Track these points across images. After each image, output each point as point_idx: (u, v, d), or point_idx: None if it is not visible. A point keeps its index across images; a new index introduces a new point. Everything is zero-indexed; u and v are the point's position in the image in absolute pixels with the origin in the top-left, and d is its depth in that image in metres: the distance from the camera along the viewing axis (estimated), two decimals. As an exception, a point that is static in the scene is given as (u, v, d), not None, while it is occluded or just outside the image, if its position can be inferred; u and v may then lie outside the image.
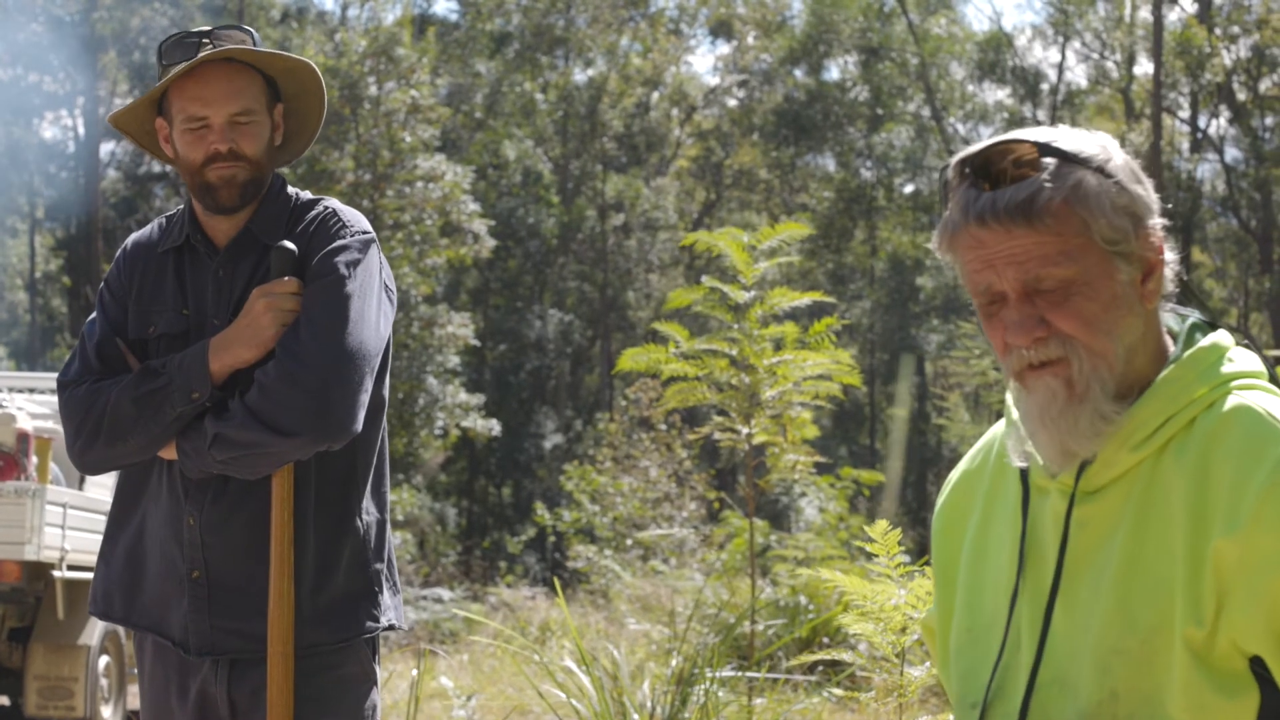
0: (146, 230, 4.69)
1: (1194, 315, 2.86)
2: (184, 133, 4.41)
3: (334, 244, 4.43)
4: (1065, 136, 2.73)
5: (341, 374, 4.26)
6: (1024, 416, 2.78)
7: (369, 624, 4.49)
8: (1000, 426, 3.05)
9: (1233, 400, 2.69)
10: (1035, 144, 2.70)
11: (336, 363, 4.25)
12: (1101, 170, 2.70)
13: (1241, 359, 2.79)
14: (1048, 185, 2.66)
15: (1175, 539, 2.65)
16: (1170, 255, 2.79)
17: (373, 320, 4.37)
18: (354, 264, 4.40)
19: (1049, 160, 2.69)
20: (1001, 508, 2.97)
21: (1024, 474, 2.89)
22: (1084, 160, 2.70)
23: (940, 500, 3.15)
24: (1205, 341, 2.78)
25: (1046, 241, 2.67)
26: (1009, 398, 2.95)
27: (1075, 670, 2.74)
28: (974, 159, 2.72)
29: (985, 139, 2.76)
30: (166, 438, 4.36)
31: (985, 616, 2.94)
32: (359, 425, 4.31)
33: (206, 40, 4.40)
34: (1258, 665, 2.62)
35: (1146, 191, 2.75)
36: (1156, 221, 2.76)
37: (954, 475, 3.15)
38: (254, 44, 4.45)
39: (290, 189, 4.59)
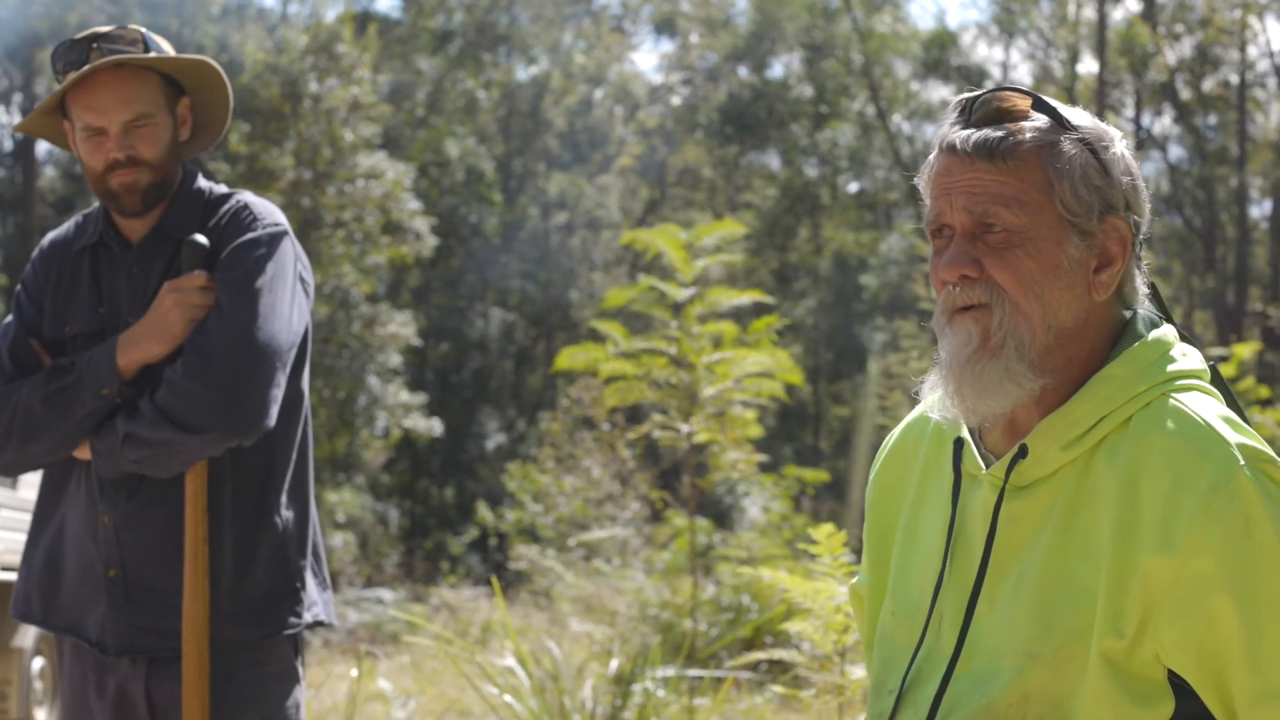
0: (63, 229, 4.67)
1: (1143, 310, 2.81)
2: (83, 140, 4.38)
3: (244, 237, 4.38)
4: (1068, 108, 2.75)
5: (250, 369, 4.19)
6: (940, 362, 2.75)
7: (291, 619, 4.46)
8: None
9: (1169, 404, 2.63)
10: (1033, 96, 2.71)
11: (245, 357, 4.19)
12: (1088, 144, 2.69)
13: (1184, 358, 2.73)
14: (1027, 134, 2.67)
15: (1101, 546, 2.59)
16: (1142, 263, 2.79)
17: (285, 313, 4.30)
18: (264, 257, 4.34)
19: (1040, 115, 2.70)
20: (935, 490, 2.92)
21: (956, 460, 2.83)
22: (1073, 127, 2.70)
23: (874, 470, 3.11)
24: (1147, 338, 2.73)
25: (1005, 183, 2.65)
26: None
27: (990, 668, 2.69)
28: (973, 98, 2.74)
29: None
30: (79, 435, 4.32)
31: (910, 602, 2.90)
32: (271, 420, 4.24)
33: (96, 45, 4.33)
34: (1177, 676, 2.58)
35: (1133, 191, 2.74)
36: (1137, 221, 2.74)
37: (888, 445, 3.11)
38: (146, 44, 4.37)
39: (203, 182, 4.54)
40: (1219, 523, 2.50)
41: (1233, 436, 2.57)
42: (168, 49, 4.46)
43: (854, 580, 3.19)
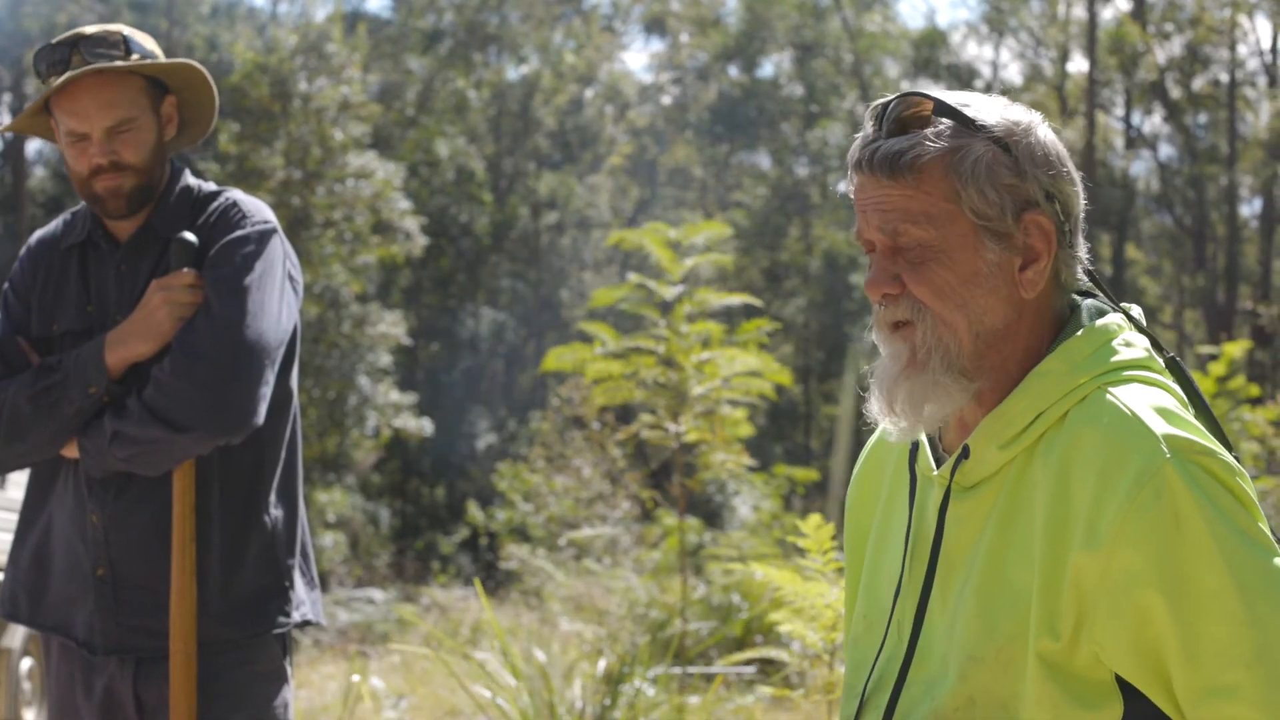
0: (51, 227, 4.64)
1: (1091, 301, 2.76)
2: (67, 145, 4.37)
3: (233, 234, 4.36)
4: (978, 103, 2.66)
5: (238, 366, 4.17)
6: (874, 378, 2.73)
7: (280, 619, 4.45)
8: None
9: (1103, 397, 2.57)
10: (935, 101, 2.63)
11: (233, 355, 4.16)
12: (998, 142, 2.61)
13: (1127, 348, 2.67)
14: (928, 144, 2.60)
15: (1035, 546, 2.56)
16: (1082, 253, 2.71)
17: (273, 311, 4.27)
18: (253, 254, 4.32)
19: (944, 120, 2.62)
20: (901, 492, 2.90)
21: (911, 462, 2.81)
22: (980, 128, 2.62)
23: (854, 474, 3.08)
24: (1083, 330, 2.67)
25: (911, 197, 2.60)
26: None
27: (939, 672, 2.67)
28: (880, 106, 2.67)
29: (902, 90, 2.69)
30: (67, 434, 4.30)
31: (878, 605, 2.88)
32: (259, 418, 4.22)
33: (78, 49, 4.31)
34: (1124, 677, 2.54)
35: (1055, 181, 2.66)
36: (1063, 210, 2.66)
37: (867, 447, 3.08)
38: (127, 46, 4.33)
39: (192, 180, 4.51)
40: (1143, 516, 2.45)
41: (1161, 428, 2.52)
42: (152, 47, 4.44)
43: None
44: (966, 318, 2.62)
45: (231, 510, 4.38)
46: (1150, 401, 2.57)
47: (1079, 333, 2.67)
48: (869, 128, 2.68)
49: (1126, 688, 2.55)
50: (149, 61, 4.36)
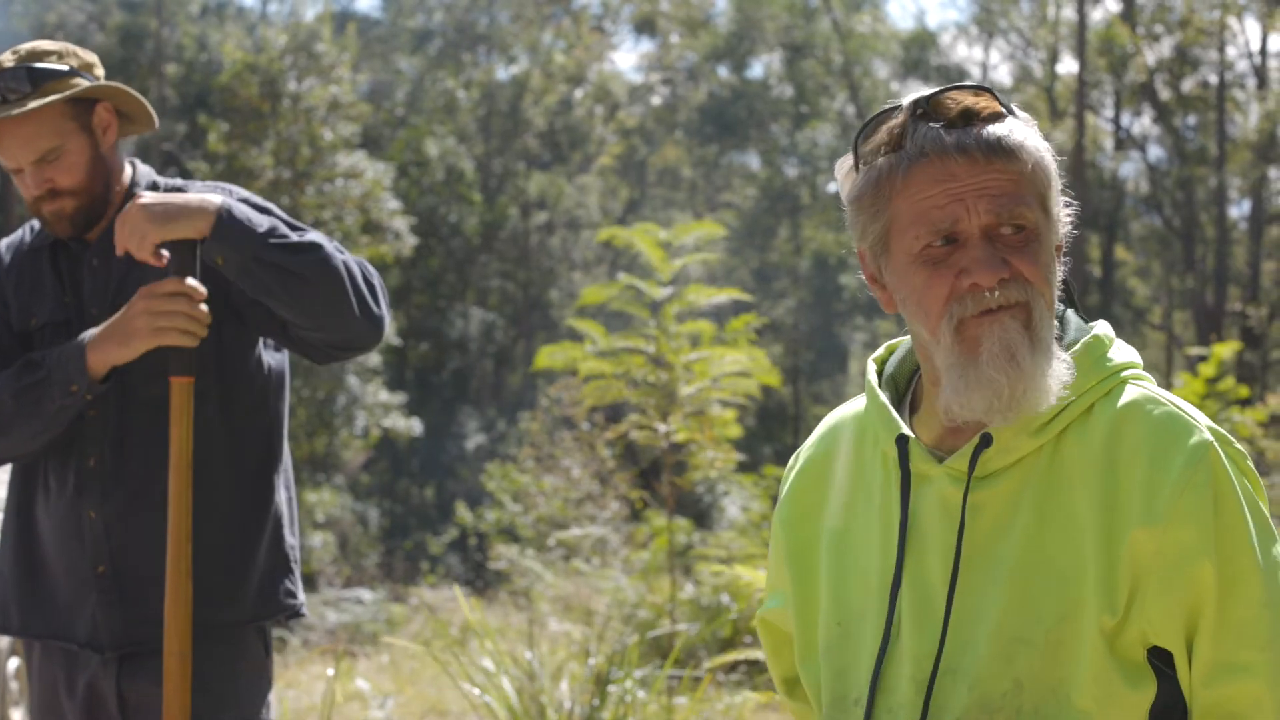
0: (17, 234, 4.66)
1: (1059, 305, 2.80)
2: (10, 173, 4.36)
3: (227, 189, 4.42)
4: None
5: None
6: (974, 363, 2.63)
7: (288, 601, 4.45)
8: (844, 411, 3.00)
9: (1133, 391, 2.66)
10: (1001, 103, 2.65)
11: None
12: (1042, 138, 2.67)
13: (1121, 351, 2.75)
14: (1017, 131, 2.62)
15: (1082, 528, 2.59)
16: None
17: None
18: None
19: (1004, 110, 2.66)
20: (864, 497, 2.87)
21: (904, 460, 2.77)
22: (1031, 121, 2.68)
23: (784, 490, 3.04)
24: (1097, 331, 2.75)
25: (1019, 182, 2.60)
26: (870, 376, 2.89)
27: (970, 660, 2.66)
28: (933, 99, 2.65)
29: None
30: (51, 430, 4.29)
31: (855, 609, 2.84)
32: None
33: None
34: (1154, 657, 2.59)
35: None
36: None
37: (795, 464, 3.05)
38: (31, 80, 4.27)
39: (157, 178, 4.53)
40: (1197, 494, 2.53)
41: (1201, 418, 2.62)
42: (69, 64, 4.32)
43: (762, 610, 3.13)
44: (1054, 302, 2.67)
45: (246, 491, 4.39)
46: (1177, 398, 2.66)
47: (1094, 333, 2.75)
48: (917, 123, 2.65)
49: (1157, 670, 2.60)
50: (41, 103, 4.26)
